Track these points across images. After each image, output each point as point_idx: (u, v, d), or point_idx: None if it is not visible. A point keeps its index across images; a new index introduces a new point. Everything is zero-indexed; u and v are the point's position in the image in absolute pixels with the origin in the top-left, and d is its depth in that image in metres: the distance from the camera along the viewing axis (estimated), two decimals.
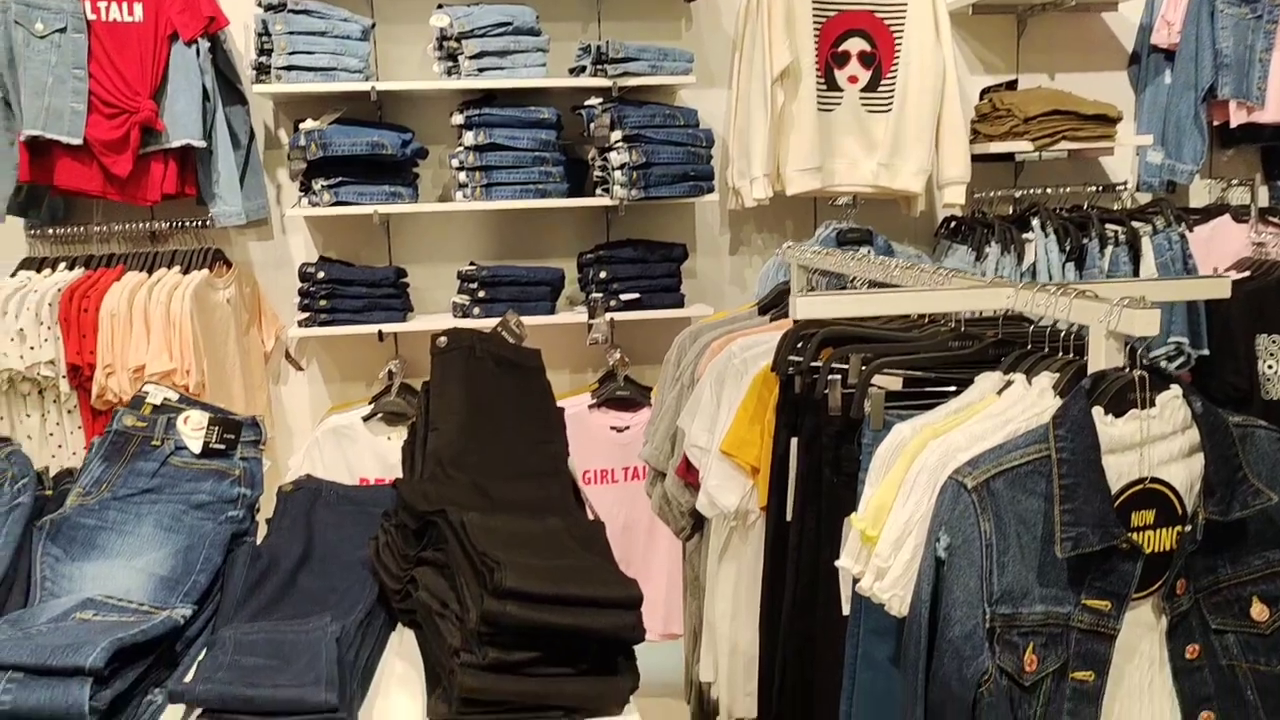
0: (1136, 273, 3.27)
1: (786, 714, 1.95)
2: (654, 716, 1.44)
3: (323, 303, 3.29)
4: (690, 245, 3.65)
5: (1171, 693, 1.40)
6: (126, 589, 1.49)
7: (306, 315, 3.31)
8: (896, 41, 3.49)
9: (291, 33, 3.15)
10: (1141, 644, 1.39)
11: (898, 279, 2.07)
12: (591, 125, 3.30)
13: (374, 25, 3.37)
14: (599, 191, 3.37)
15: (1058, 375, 1.49)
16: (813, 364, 1.83)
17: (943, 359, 1.75)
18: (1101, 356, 1.45)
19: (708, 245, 3.78)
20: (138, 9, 3.14)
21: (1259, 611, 1.40)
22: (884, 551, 1.42)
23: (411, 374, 3.46)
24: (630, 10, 3.61)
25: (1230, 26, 3.53)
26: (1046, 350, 1.59)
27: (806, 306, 1.81)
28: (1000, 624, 1.31)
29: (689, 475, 2.31)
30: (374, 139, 3.19)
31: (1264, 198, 3.68)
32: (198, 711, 1.18)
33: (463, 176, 3.27)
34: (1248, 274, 3.26)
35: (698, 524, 2.41)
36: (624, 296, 3.40)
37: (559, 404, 1.91)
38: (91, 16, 3.10)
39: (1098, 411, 1.34)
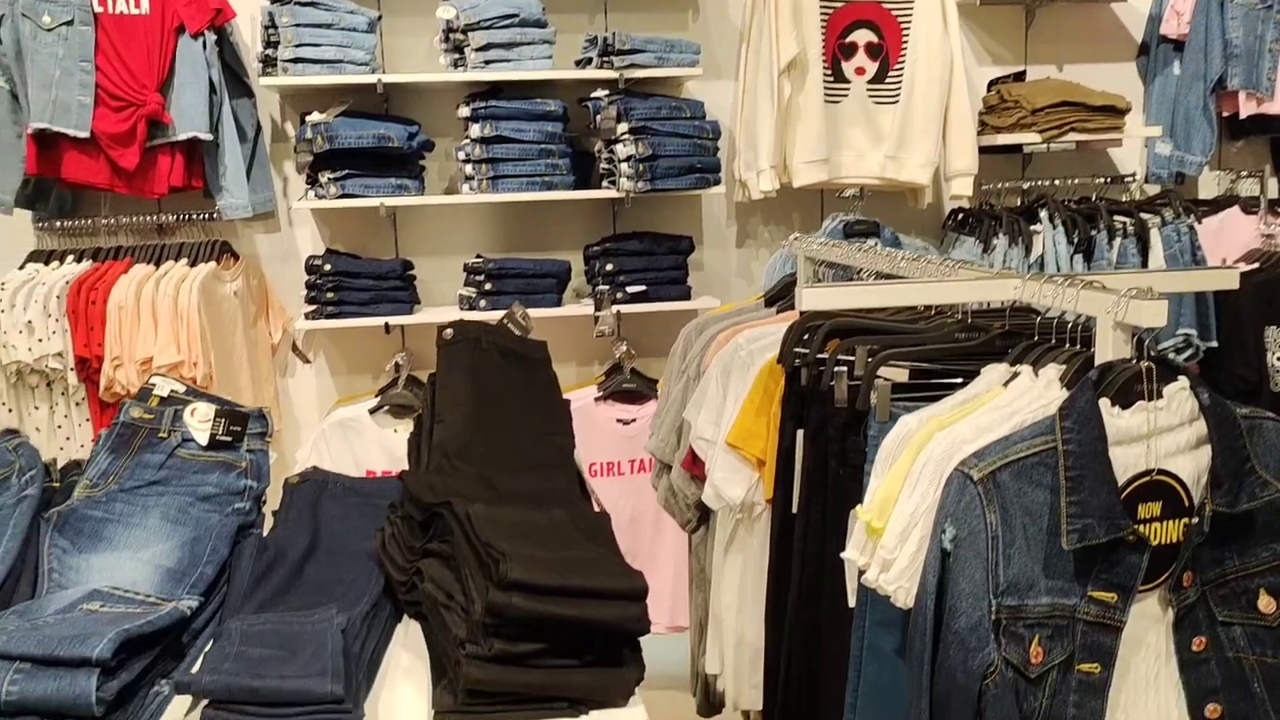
0: (1145, 265, 3.24)
1: (792, 706, 1.95)
2: (659, 708, 1.44)
3: (330, 295, 3.30)
4: (697, 237, 3.64)
5: (1178, 685, 1.40)
6: (133, 580, 1.49)
7: (313, 308, 3.32)
8: (904, 33, 3.47)
9: (298, 25, 3.15)
10: (1148, 636, 1.39)
11: (904, 271, 2.07)
12: (598, 117, 3.30)
13: (380, 17, 3.37)
14: (605, 184, 3.37)
15: (1065, 367, 1.48)
16: (819, 356, 1.83)
17: (949, 351, 1.74)
18: (1109, 348, 1.45)
19: (714, 237, 3.78)
20: (144, 2, 3.14)
21: (1266, 604, 1.40)
22: (890, 543, 1.41)
23: (418, 366, 3.46)
24: (637, 2, 3.60)
25: (1240, 17, 3.51)
26: (1053, 342, 1.58)
27: (813, 298, 1.81)
28: (1006, 616, 1.31)
29: (695, 467, 2.30)
30: (380, 131, 3.19)
31: (1273, 189, 3.66)
32: (204, 702, 1.18)
33: (469, 169, 3.27)
34: (1257, 266, 3.25)
35: (703, 516, 2.41)
36: (630, 289, 3.40)
37: (565, 396, 1.91)
38: (98, 9, 3.10)
39: (1104, 403, 1.34)
